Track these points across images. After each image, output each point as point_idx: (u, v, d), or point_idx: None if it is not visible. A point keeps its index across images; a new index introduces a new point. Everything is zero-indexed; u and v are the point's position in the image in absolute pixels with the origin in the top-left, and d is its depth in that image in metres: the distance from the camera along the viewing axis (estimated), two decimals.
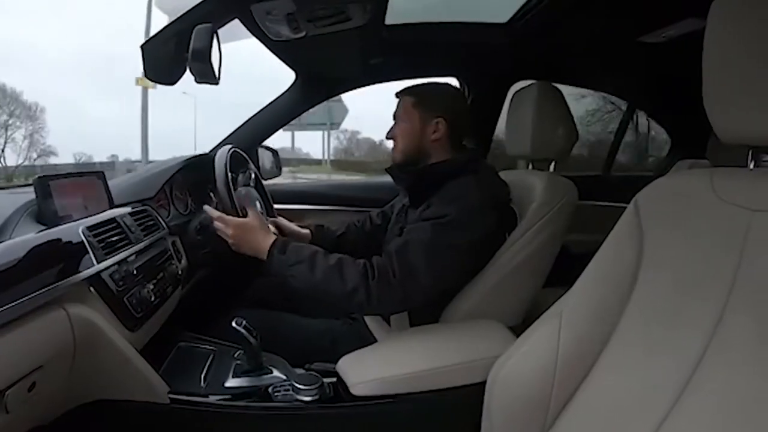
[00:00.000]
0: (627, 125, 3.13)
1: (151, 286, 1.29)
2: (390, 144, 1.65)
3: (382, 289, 1.31)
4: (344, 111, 14.32)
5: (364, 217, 2.01)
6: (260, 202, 1.82)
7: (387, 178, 1.75)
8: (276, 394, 1.27)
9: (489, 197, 1.45)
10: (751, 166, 0.90)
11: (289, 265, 1.38)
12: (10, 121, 21.09)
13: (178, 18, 1.24)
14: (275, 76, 2.71)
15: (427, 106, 1.58)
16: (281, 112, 2.38)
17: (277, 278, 1.42)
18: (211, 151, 2.15)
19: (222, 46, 1.28)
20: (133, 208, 1.40)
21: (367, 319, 1.57)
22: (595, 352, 0.98)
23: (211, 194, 1.92)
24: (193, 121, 40.39)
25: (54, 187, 1.13)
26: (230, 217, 1.47)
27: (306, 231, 1.89)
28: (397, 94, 1.67)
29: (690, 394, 0.81)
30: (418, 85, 1.66)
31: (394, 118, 1.66)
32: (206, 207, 1.54)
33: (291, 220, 1.99)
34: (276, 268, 1.40)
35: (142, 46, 1.25)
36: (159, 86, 1.59)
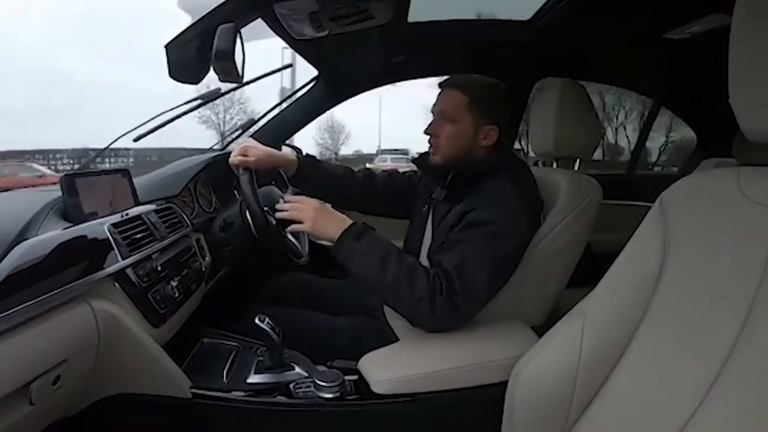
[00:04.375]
0: (652, 123, 3.10)
1: (175, 283, 1.30)
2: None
3: (447, 308, 1.28)
4: None
5: (367, 174, 1.87)
6: (283, 200, 1.83)
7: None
8: (297, 390, 1.28)
9: (529, 199, 1.44)
10: None
11: (360, 253, 1.35)
12: None
13: (202, 18, 1.25)
14: None
15: (483, 111, 1.48)
16: (305, 111, 2.39)
17: (340, 263, 1.39)
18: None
19: (245, 45, 1.29)
20: (157, 206, 1.42)
21: (389, 317, 1.54)
22: (619, 352, 0.97)
23: (235, 192, 1.93)
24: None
25: (80, 185, 1.15)
26: (310, 199, 1.45)
27: (292, 158, 1.71)
28: (443, 85, 1.55)
29: (714, 395, 0.80)
30: (469, 80, 1.54)
31: (437, 112, 1.53)
32: (278, 206, 1.50)
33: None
34: (343, 254, 1.37)
35: (166, 46, 1.26)
36: None
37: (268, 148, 1.62)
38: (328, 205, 1.46)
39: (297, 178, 1.70)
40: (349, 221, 1.41)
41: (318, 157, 1.84)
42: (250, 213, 1.50)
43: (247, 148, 1.55)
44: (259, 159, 1.55)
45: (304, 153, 1.88)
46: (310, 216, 1.41)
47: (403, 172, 1.89)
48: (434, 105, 1.55)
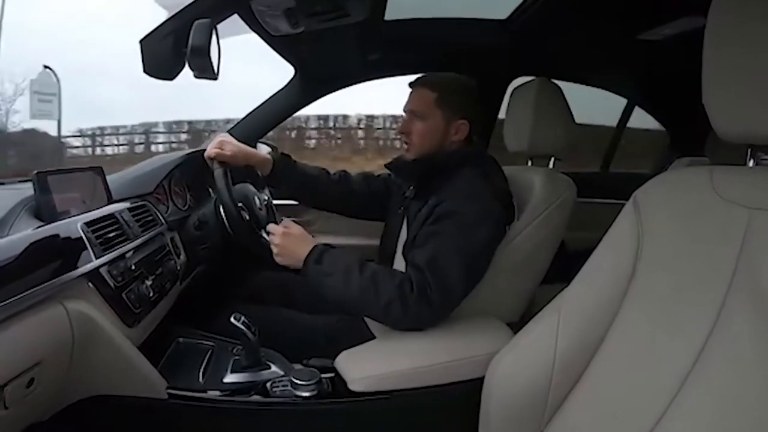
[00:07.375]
0: (626, 122, 3.13)
1: (150, 282, 1.29)
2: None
3: (421, 304, 1.29)
4: None
5: (343, 175, 1.85)
6: (258, 198, 1.82)
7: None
8: (274, 389, 1.28)
9: (497, 190, 1.45)
10: (751, 164, 0.91)
11: (324, 275, 1.36)
12: None
13: (177, 13, 1.23)
14: None
15: (452, 106, 1.51)
16: (280, 108, 2.37)
17: (313, 288, 1.40)
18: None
19: (221, 41, 1.27)
20: (131, 204, 1.39)
21: None
22: (594, 347, 0.99)
23: (210, 190, 1.92)
24: None
25: (53, 183, 1.13)
26: (276, 227, 1.45)
27: (267, 157, 1.69)
28: (412, 84, 1.58)
29: (689, 387, 0.82)
30: (437, 77, 1.57)
31: (408, 111, 1.56)
32: (269, 227, 1.48)
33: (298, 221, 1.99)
34: (311, 280, 1.39)
35: (141, 41, 1.24)
36: None
37: (244, 146, 1.62)
38: (294, 230, 1.45)
39: (272, 177, 1.69)
40: (310, 246, 1.40)
41: None
42: (223, 207, 1.51)
43: (223, 143, 1.55)
44: (234, 154, 1.56)
45: (280, 151, 1.86)
46: (276, 244, 1.43)
47: (379, 175, 1.89)
48: (405, 104, 1.57)
